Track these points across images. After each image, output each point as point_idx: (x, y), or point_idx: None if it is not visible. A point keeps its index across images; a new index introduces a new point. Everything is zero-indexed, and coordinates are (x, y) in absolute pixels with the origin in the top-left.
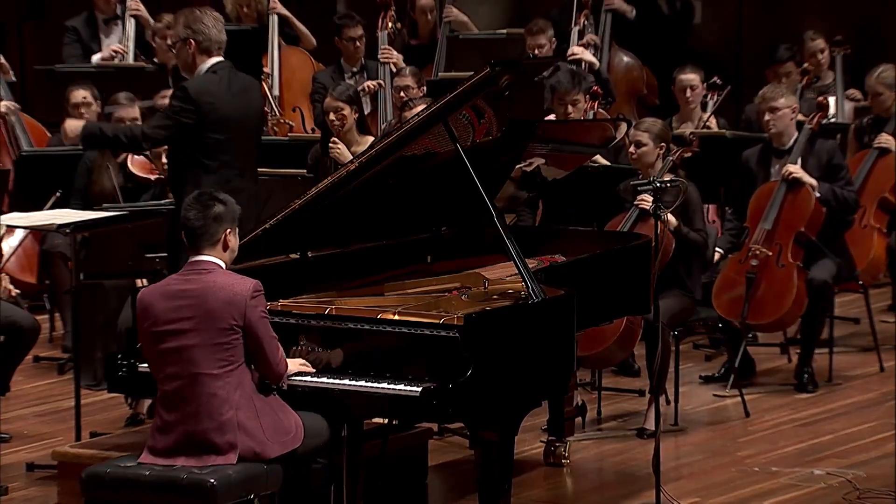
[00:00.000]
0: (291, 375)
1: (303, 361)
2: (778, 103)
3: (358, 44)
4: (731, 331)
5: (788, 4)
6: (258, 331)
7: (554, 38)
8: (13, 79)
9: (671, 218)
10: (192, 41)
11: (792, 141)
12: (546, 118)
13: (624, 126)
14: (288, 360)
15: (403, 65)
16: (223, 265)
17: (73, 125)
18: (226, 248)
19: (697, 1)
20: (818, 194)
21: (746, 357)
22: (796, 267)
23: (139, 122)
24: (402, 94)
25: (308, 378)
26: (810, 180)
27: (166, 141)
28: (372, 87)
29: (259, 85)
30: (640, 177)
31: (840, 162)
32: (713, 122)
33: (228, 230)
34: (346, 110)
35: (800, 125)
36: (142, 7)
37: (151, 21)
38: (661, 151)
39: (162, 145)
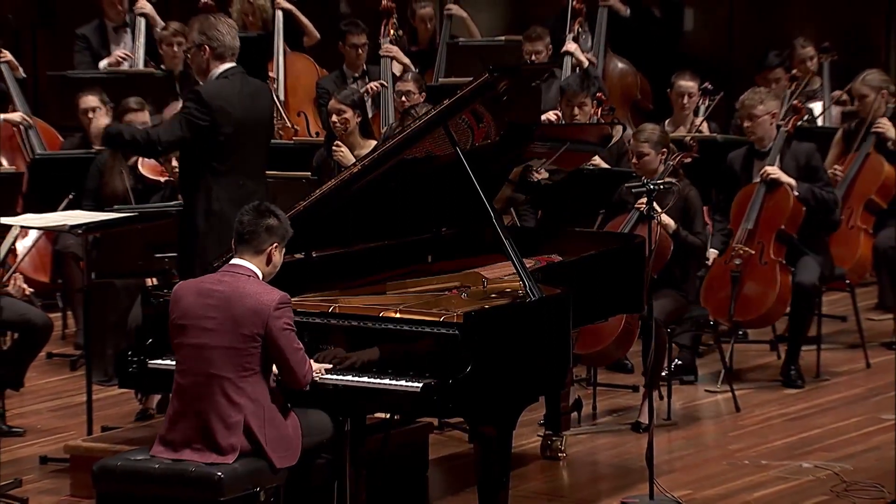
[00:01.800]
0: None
1: (328, 367)
2: (756, 110)
3: (360, 51)
4: (715, 330)
5: (778, 12)
6: (280, 342)
7: (550, 46)
8: (23, 75)
9: (669, 221)
10: (206, 47)
11: (772, 143)
12: (542, 117)
13: (620, 129)
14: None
15: (407, 62)
16: (260, 275)
17: (98, 126)
18: (269, 261)
19: (690, 8)
20: (796, 193)
21: (722, 356)
22: (778, 263)
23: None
24: (403, 98)
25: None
26: (788, 180)
27: (181, 144)
28: (375, 87)
29: (269, 90)
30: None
31: (818, 164)
32: (705, 127)
33: (276, 245)
34: (349, 113)
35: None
36: (148, 6)
37: (159, 20)
38: (663, 157)
39: (177, 149)
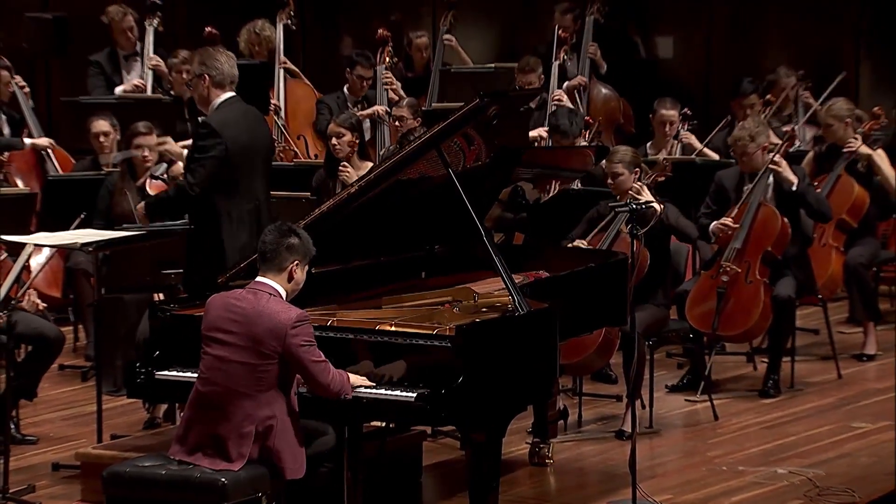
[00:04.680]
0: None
1: (367, 382)
2: (749, 148)
3: (365, 83)
4: (698, 342)
5: (754, 39)
6: (300, 358)
7: (542, 76)
8: (31, 104)
9: (658, 207)
10: (206, 76)
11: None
12: (531, 133)
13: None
14: (352, 375)
15: (402, 94)
16: (283, 293)
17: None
18: (290, 278)
19: (668, 37)
20: (795, 188)
21: (703, 367)
22: (763, 283)
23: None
24: (397, 123)
25: None
26: (790, 175)
27: (210, 178)
28: (381, 111)
29: (262, 115)
30: (619, 199)
31: (810, 182)
32: (694, 140)
33: (297, 263)
34: (347, 136)
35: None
36: (161, 63)
37: (166, 71)
38: (636, 176)
39: (206, 184)
